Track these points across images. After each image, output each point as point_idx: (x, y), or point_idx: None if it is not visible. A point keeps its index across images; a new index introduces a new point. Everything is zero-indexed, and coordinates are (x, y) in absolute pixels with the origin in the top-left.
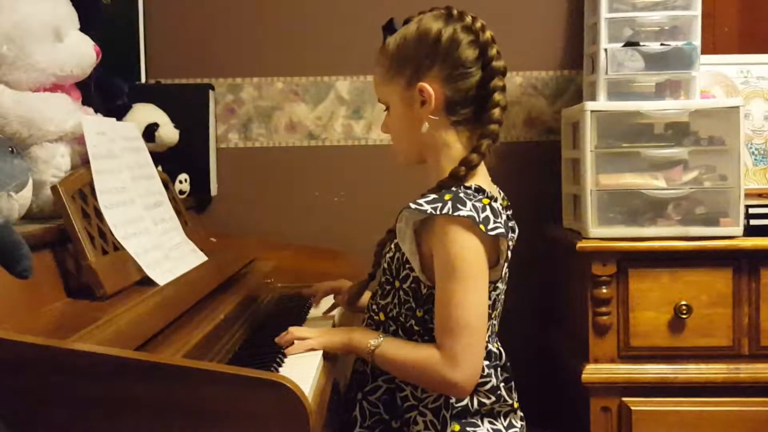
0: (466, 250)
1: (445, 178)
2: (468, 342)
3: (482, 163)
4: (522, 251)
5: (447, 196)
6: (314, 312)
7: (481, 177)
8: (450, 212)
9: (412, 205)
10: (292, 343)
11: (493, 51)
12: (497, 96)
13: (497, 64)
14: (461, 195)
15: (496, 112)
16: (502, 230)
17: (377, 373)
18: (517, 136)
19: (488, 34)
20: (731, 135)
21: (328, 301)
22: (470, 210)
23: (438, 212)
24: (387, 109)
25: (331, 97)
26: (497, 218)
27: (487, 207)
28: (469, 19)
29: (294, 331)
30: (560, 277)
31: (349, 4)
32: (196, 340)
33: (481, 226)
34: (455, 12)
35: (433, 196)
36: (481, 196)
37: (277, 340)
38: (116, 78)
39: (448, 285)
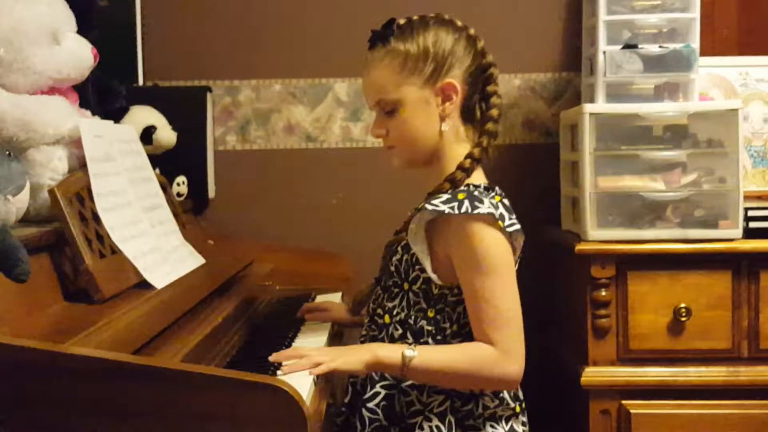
0: (493, 245)
1: (452, 171)
2: (517, 333)
3: (480, 165)
4: (521, 253)
5: (461, 195)
6: (309, 325)
7: (482, 178)
8: (469, 210)
9: (429, 207)
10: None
11: (489, 57)
12: (495, 99)
13: (494, 70)
14: (476, 193)
15: (494, 112)
16: (518, 226)
17: (375, 379)
18: (515, 139)
19: (482, 41)
20: (730, 137)
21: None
22: (488, 207)
23: (456, 211)
24: (389, 112)
25: (329, 99)
26: (511, 215)
27: (500, 204)
28: (461, 24)
29: (303, 356)
30: (559, 279)
31: (347, 6)
32: (193, 344)
33: (500, 223)
34: (446, 17)
35: (446, 196)
36: (492, 194)
37: (285, 366)
38: (113, 80)
39: (484, 281)
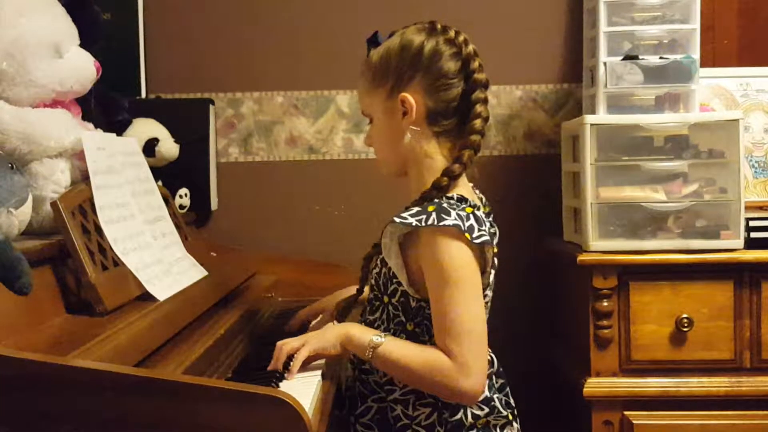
0: (458, 257)
1: (427, 189)
2: (476, 348)
3: (464, 174)
4: (523, 264)
5: (430, 208)
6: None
7: (463, 187)
8: (435, 223)
9: (397, 219)
10: (288, 360)
11: (476, 64)
12: (479, 107)
13: (479, 76)
14: (444, 205)
15: (478, 123)
16: (486, 238)
17: (366, 394)
18: (517, 150)
19: (471, 47)
20: (731, 148)
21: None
22: (455, 219)
23: (423, 224)
24: (371, 121)
25: (331, 111)
26: (481, 226)
27: (471, 216)
28: (452, 32)
29: (283, 346)
30: (561, 290)
31: (349, 18)
32: (196, 356)
33: (467, 235)
34: (439, 26)
35: (416, 208)
36: (464, 205)
37: (271, 366)
38: (116, 93)
39: (446, 293)
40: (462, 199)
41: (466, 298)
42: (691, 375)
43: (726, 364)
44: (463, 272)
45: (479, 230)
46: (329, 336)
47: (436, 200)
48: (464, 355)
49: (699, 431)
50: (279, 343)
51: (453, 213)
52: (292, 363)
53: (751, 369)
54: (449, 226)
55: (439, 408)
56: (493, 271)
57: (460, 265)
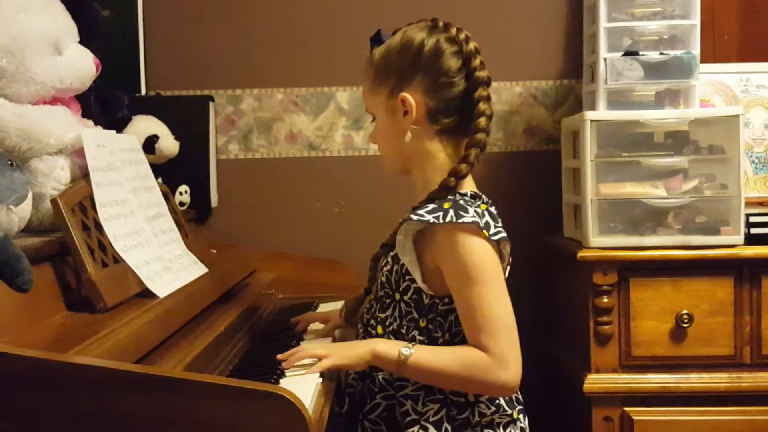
0: (480, 253)
1: (435, 189)
2: (510, 340)
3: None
4: (523, 261)
5: (446, 205)
6: (314, 325)
7: (470, 185)
8: (454, 219)
9: (414, 217)
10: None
11: (477, 62)
12: (482, 105)
13: (481, 74)
14: (461, 202)
15: (482, 121)
16: (503, 234)
17: (375, 391)
18: (517, 146)
19: (472, 45)
20: (731, 143)
21: (315, 326)
22: (473, 216)
23: (441, 221)
24: (374, 119)
25: (331, 107)
26: (497, 223)
27: (486, 212)
28: (453, 30)
29: (309, 348)
30: (561, 286)
31: (349, 15)
32: (196, 352)
33: (485, 232)
34: (440, 23)
35: (432, 205)
36: (479, 202)
37: (287, 357)
38: (116, 90)
39: (473, 290)
40: (476, 196)
41: (494, 292)
42: (692, 371)
43: (726, 360)
44: (487, 267)
45: (495, 227)
46: (353, 354)
47: (451, 197)
48: (500, 348)
49: (699, 427)
50: (302, 344)
51: (470, 210)
52: (311, 367)
53: (751, 365)
54: (468, 223)
55: (447, 405)
56: (508, 268)
57: (483, 261)
